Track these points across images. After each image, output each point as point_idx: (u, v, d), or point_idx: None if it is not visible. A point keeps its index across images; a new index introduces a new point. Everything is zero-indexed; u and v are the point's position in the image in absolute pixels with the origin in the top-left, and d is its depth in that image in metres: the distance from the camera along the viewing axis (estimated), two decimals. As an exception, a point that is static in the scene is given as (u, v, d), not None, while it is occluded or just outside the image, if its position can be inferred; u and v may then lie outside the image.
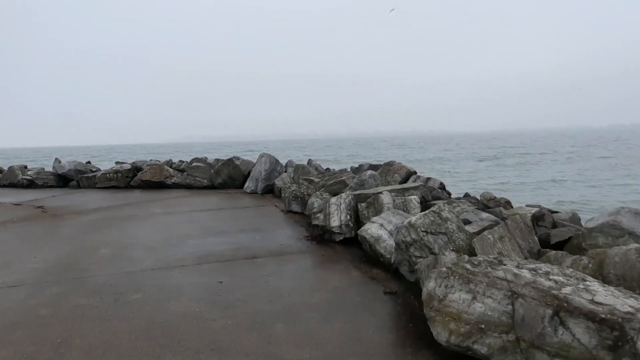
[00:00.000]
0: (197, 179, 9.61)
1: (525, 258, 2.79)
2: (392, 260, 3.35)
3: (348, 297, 2.99)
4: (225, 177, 9.32)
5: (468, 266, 2.24)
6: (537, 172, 25.47)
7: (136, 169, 10.26)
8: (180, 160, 11.73)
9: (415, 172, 6.55)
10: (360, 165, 9.11)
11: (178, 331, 2.52)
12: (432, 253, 2.93)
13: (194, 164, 10.14)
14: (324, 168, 10.06)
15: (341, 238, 4.40)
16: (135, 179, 9.85)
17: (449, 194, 6.85)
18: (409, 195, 4.79)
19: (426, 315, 2.30)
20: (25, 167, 11.24)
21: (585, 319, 1.79)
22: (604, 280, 2.30)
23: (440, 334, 2.17)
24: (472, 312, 2.09)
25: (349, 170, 8.64)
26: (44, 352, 2.32)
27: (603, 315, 1.74)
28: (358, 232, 4.09)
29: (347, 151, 64.71)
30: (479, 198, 6.55)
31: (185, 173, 9.92)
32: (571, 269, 2.18)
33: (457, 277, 2.25)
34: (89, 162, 11.69)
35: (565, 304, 1.84)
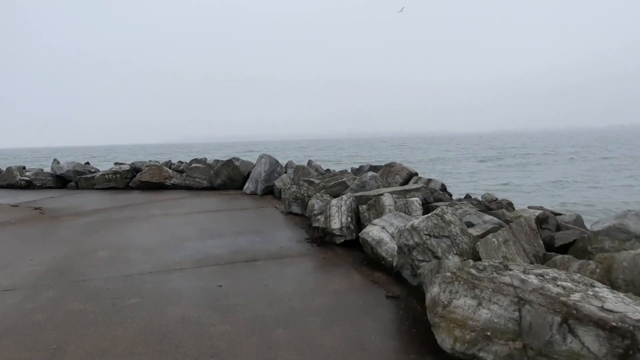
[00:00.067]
0: (197, 180, 9.56)
1: (531, 262, 2.74)
2: (395, 264, 3.29)
3: (349, 302, 2.94)
4: (225, 178, 9.27)
5: (473, 271, 2.19)
6: (539, 173, 25.41)
7: (135, 169, 10.20)
8: (180, 161, 11.68)
9: (416, 174, 6.49)
10: (361, 167, 9.05)
11: (176, 337, 2.46)
12: (435, 257, 2.87)
13: (193, 165, 10.08)
14: (324, 169, 10.00)
15: (342, 240, 4.35)
16: (134, 180, 9.79)
17: (450, 195, 6.80)
18: (410, 197, 4.74)
19: (430, 321, 2.25)
20: (24, 167, 11.17)
21: (595, 327, 1.74)
22: (612, 285, 2.24)
23: (445, 340, 2.11)
24: (478, 318, 2.03)
25: (349, 171, 8.59)
26: (39, 358, 2.26)
27: (614, 323, 1.69)
28: (359, 234, 4.04)
29: (347, 152, 64.68)
30: (480, 199, 6.50)
31: (185, 174, 9.87)
32: (579, 275, 2.12)
33: (461, 282, 2.19)
34: (87, 163, 11.63)
35: (575, 311, 1.79)
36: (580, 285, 1.97)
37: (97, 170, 10.84)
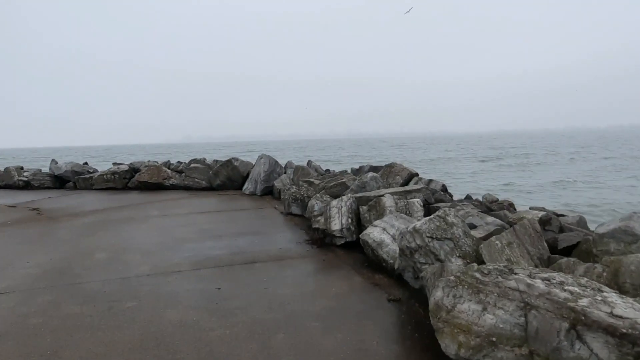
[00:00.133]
0: (196, 180, 9.50)
1: (535, 265, 2.69)
2: (396, 267, 3.24)
3: (351, 305, 2.89)
4: (224, 179, 9.22)
5: (478, 275, 2.14)
6: (540, 173, 25.33)
7: (134, 170, 10.14)
8: (179, 162, 11.62)
9: (417, 174, 6.45)
10: (361, 167, 9.01)
11: (174, 342, 2.41)
12: (438, 259, 2.83)
13: (192, 165, 10.02)
14: (324, 169, 9.95)
15: (342, 242, 4.30)
16: (133, 180, 9.73)
17: (451, 196, 6.76)
18: (411, 198, 4.69)
19: (433, 326, 2.20)
20: (22, 168, 11.11)
21: (605, 334, 1.69)
22: (620, 290, 2.19)
23: (449, 346, 2.06)
24: (483, 324, 1.98)
25: (349, 171, 8.54)
26: (33, 364, 2.21)
27: (624, 330, 1.64)
28: (360, 236, 3.99)
29: (346, 152, 64.65)
30: (481, 200, 6.45)
31: (184, 174, 9.81)
32: (586, 279, 2.07)
33: (466, 286, 2.14)
34: (86, 163, 11.57)
35: (583, 317, 1.74)
36: (588, 290, 1.92)
37: (95, 171, 10.78)
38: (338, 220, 4.40)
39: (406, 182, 6.25)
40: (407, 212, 4.33)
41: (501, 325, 1.94)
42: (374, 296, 3.04)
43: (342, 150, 72.73)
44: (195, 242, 4.62)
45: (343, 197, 4.82)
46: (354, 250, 4.15)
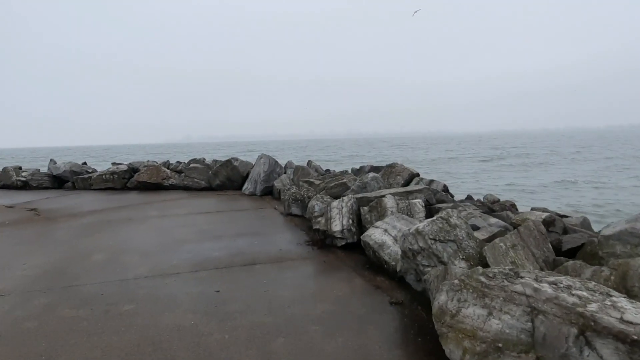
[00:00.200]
0: (195, 180, 9.45)
1: (541, 268, 2.64)
2: (398, 269, 3.19)
3: (352, 308, 2.83)
4: (224, 179, 9.16)
5: (483, 279, 2.09)
6: (541, 173, 25.22)
7: (133, 170, 10.08)
8: (178, 162, 11.56)
9: (418, 174, 6.39)
10: (362, 167, 8.95)
11: (171, 347, 2.36)
12: (441, 262, 2.77)
13: (191, 165, 9.97)
14: (324, 169, 9.90)
15: (343, 243, 4.24)
16: (132, 180, 9.68)
17: (452, 196, 6.70)
18: (413, 199, 4.64)
19: (437, 330, 2.14)
20: (20, 168, 11.05)
21: (615, 340, 1.64)
22: (628, 294, 2.14)
23: (454, 352, 2.01)
24: (489, 329, 1.93)
25: (349, 172, 8.49)
26: (27, 370, 2.16)
27: (635, 337, 1.59)
28: (361, 237, 3.93)
29: (347, 151, 64.56)
30: (482, 200, 6.40)
31: (183, 174, 9.76)
32: (594, 283, 2.02)
33: (470, 290, 2.09)
34: (85, 163, 11.51)
35: (593, 323, 1.69)
36: (597, 294, 1.87)
37: (94, 171, 10.72)
38: (339, 221, 4.35)
39: (407, 183, 6.20)
40: (409, 213, 4.28)
41: (507, 331, 1.89)
42: (376, 299, 2.99)
43: (342, 150, 72.68)
44: (194, 243, 4.56)
45: (344, 197, 4.77)
46: (354, 252, 4.09)
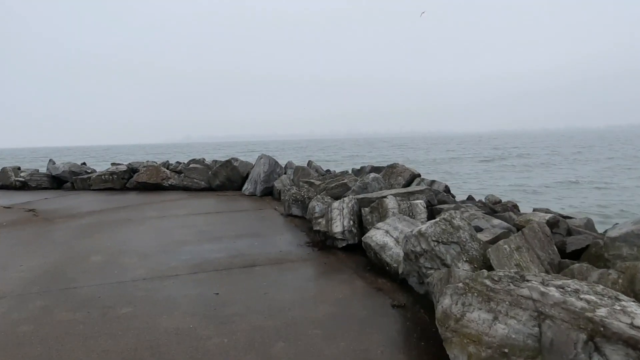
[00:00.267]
0: (195, 180, 9.40)
1: (546, 271, 2.59)
2: (400, 271, 3.14)
3: (353, 311, 2.79)
4: (223, 179, 9.11)
5: (488, 282, 2.04)
6: (543, 174, 25.12)
7: (132, 170, 10.03)
8: (178, 162, 11.51)
9: (419, 175, 6.34)
10: (362, 167, 8.90)
11: (169, 351, 2.31)
12: (444, 264, 2.72)
13: (191, 166, 9.92)
14: (325, 170, 9.85)
15: (344, 244, 4.20)
16: (131, 180, 9.63)
17: (454, 197, 6.66)
18: (414, 200, 4.59)
19: (441, 335, 2.09)
20: (19, 168, 11.00)
21: (625, 346, 1.59)
22: (637, 297, 2.09)
23: (458, 357, 1.96)
24: (494, 334, 1.88)
25: (350, 172, 8.44)
26: (21, 375, 2.11)
27: (647, 343, 1.54)
28: (362, 238, 3.89)
29: (347, 152, 64.50)
30: (484, 201, 6.35)
31: (182, 175, 9.71)
32: (602, 286, 1.97)
33: (475, 294, 2.04)
34: (84, 164, 11.47)
35: (602, 329, 1.64)
36: (605, 298, 1.82)
37: (93, 171, 10.67)
38: (339, 222, 4.30)
39: (408, 183, 6.15)
40: (410, 214, 4.23)
41: (513, 336, 1.84)
42: (378, 302, 2.94)
43: (342, 150, 72.62)
44: (194, 245, 4.52)
45: (344, 198, 4.72)
46: (355, 253, 4.05)
